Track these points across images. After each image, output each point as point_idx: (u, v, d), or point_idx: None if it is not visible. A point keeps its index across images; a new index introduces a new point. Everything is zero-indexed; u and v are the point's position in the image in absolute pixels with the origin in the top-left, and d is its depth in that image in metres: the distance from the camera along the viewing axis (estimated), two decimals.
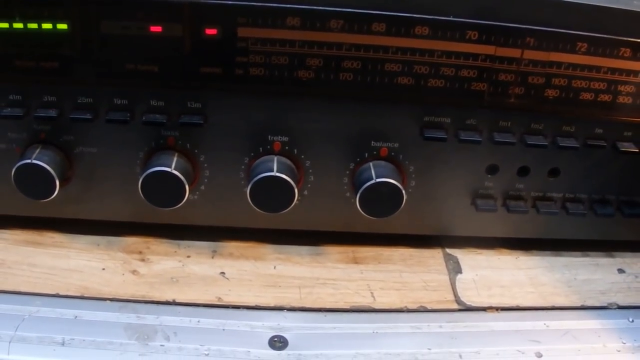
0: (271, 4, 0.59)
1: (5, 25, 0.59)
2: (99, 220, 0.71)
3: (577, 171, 0.70)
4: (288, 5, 0.59)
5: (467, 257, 0.73)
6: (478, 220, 0.71)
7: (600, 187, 0.71)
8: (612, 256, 0.76)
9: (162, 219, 0.70)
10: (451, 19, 0.60)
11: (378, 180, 0.64)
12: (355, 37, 0.60)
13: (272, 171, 0.63)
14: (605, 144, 0.68)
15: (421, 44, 0.61)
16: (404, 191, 0.64)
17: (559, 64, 0.62)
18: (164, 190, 0.64)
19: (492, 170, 0.69)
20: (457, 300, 0.67)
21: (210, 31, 0.60)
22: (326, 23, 0.60)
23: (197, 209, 0.69)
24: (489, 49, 0.61)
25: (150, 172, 0.63)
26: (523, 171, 0.69)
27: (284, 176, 0.63)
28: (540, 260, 0.74)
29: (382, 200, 0.65)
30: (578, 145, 0.67)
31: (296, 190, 0.64)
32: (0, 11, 0.59)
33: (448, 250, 0.74)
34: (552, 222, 0.72)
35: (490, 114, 0.65)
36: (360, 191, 0.64)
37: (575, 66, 0.63)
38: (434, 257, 0.73)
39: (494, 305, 0.67)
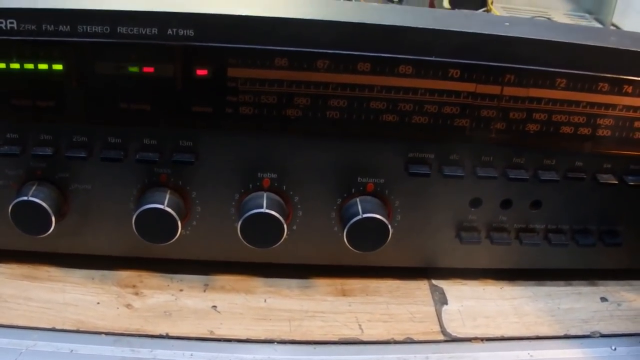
0: (260, 46, 0.61)
1: (2, 65, 0.61)
2: (93, 255, 0.72)
3: (558, 203, 0.71)
4: (276, 47, 0.61)
5: (453, 288, 0.74)
6: (463, 252, 0.73)
7: (582, 218, 0.73)
8: (594, 284, 0.77)
9: (155, 253, 0.71)
10: (433, 58, 0.62)
11: (365, 215, 0.66)
12: (341, 77, 0.62)
13: (262, 208, 0.65)
14: (585, 176, 0.69)
15: (405, 82, 0.63)
16: (389, 226, 0.66)
17: (538, 100, 0.64)
18: (157, 226, 0.65)
19: (476, 203, 0.70)
20: (443, 331, 0.68)
21: (201, 72, 0.62)
22: (313, 63, 0.62)
23: (189, 243, 0.70)
24: (470, 87, 0.63)
25: (144, 209, 0.64)
26: (506, 204, 0.71)
27: (273, 212, 0.65)
28: (524, 290, 0.75)
29: (368, 235, 0.66)
30: (559, 178, 0.68)
31: (285, 227, 0.65)
32: None
33: (434, 282, 0.75)
34: (535, 252, 0.74)
35: (472, 149, 0.67)
36: (347, 226, 0.66)
37: (554, 101, 0.65)
38: (420, 288, 0.74)
39: (479, 336, 0.68)
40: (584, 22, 1.28)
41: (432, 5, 1.07)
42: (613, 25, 1.30)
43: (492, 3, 0.95)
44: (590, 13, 1.34)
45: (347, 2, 0.99)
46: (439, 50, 0.62)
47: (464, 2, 0.96)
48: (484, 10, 0.94)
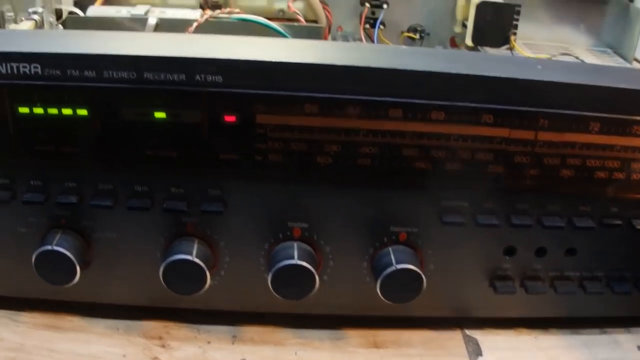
0: (290, 92, 0.60)
1: (26, 110, 0.60)
2: (117, 304, 0.71)
3: (593, 250, 0.70)
4: (306, 94, 0.60)
5: (487, 338, 0.72)
6: (497, 301, 0.71)
7: (617, 265, 0.71)
8: (630, 332, 0.75)
9: (182, 303, 0.70)
10: (466, 104, 0.61)
11: (398, 266, 0.64)
12: (373, 123, 0.61)
13: (293, 259, 0.63)
14: (621, 223, 0.68)
15: (437, 128, 0.61)
16: (424, 277, 0.64)
17: (572, 145, 0.63)
18: (185, 277, 0.64)
19: (510, 251, 0.68)
20: None
21: (229, 118, 0.61)
22: (344, 109, 0.60)
23: (217, 294, 0.68)
24: (504, 132, 0.62)
25: (172, 261, 0.63)
26: (540, 252, 0.69)
27: (305, 264, 0.63)
28: (560, 339, 0.73)
29: (402, 286, 0.65)
30: (594, 225, 0.67)
31: (317, 278, 0.64)
32: (21, 96, 0.60)
33: (467, 332, 0.73)
34: (570, 300, 0.72)
35: (507, 197, 0.66)
36: (380, 278, 0.64)
37: (589, 146, 0.63)
38: (453, 339, 0.72)
39: None
40: (606, 57, 1.27)
41: (453, 42, 1.06)
42: (636, 60, 1.29)
43: (514, 40, 0.93)
44: (611, 48, 1.33)
45: (374, 45, 0.99)
46: (472, 95, 0.61)
47: (487, 40, 0.94)
48: (507, 48, 0.93)
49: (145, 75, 0.59)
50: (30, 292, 0.70)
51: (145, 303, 0.71)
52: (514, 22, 0.94)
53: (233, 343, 0.70)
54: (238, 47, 0.63)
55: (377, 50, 0.73)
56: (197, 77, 0.59)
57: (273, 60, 0.59)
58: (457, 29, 1.03)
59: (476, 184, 0.64)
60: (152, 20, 0.90)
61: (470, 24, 0.95)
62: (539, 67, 0.65)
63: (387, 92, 0.60)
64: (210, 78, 0.59)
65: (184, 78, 0.59)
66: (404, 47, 1.01)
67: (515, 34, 0.94)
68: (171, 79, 0.59)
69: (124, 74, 0.59)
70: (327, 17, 1.01)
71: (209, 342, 0.69)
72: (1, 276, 0.69)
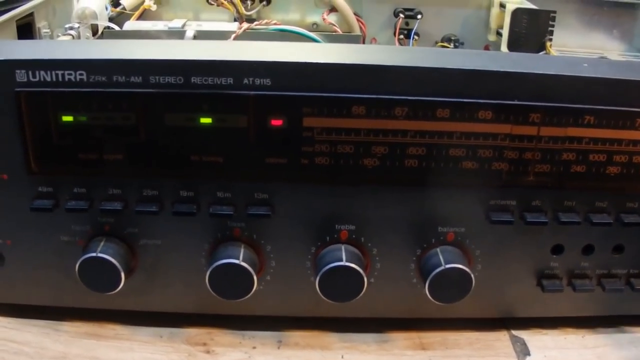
0: (336, 94, 0.59)
1: (70, 118, 0.60)
2: (160, 312, 0.70)
3: None
4: (353, 95, 0.60)
5: (534, 338, 0.71)
6: (544, 300, 0.70)
7: None
8: None
9: (226, 309, 0.69)
10: (515, 102, 0.60)
11: (447, 266, 0.63)
12: (420, 124, 0.61)
13: (342, 261, 0.63)
14: None
15: (484, 128, 0.61)
16: (473, 276, 0.64)
17: (619, 141, 0.63)
18: (231, 282, 0.63)
19: (558, 250, 0.68)
20: None
21: (276, 122, 0.60)
22: (391, 110, 0.60)
23: (262, 299, 0.68)
24: (554, 131, 0.62)
25: (218, 265, 0.63)
26: (588, 250, 0.68)
27: (354, 266, 0.63)
28: (606, 337, 0.72)
29: (451, 286, 0.64)
30: None
31: (366, 280, 0.63)
32: (66, 104, 0.60)
33: (514, 332, 0.72)
34: (618, 298, 0.71)
35: (554, 195, 0.65)
36: (429, 278, 0.64)
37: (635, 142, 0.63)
38: (500, 339, 0.71)
39: None
40: None
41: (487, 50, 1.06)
42: None
43: (550, 46, 0.93)
44: None
45: (420, 47, 0.99)
46: (520, 93, 0.60)
47: (523, 47, 0.94)
48: (542, 54, 0.92)
49: (192, 79, 0.59)
50: (72, 301, 0.70)
51: (189, 310, 0.70)
52: (550, 28, 0.93)
53: (279, 348, 0.69)
54: (285, 51, 0.62)
55: (424, 52, 0.73)
56: (245, 80, 0.59)
57: (321, 61, 0.59)
58: (492, 37, 1.02)
59: (523, 183, 0.64)
60: (189, 33, 0.90)
61: (505, 31, 0.95)
62: (585, 65, 0.64)
63: (435, 91, 0.60)
64: (259, 81, 0.59)
65: (231, 82, 0.59)
66: (450, 48, 1.01)
67: (551, 40, 0.94)
68: (219, 82, 0.59)
69: (171, 79, 0.59)
70: (360, 29, 1.01)
71: (254, 348, 0.69)
72: (43, 286, 0.68)
